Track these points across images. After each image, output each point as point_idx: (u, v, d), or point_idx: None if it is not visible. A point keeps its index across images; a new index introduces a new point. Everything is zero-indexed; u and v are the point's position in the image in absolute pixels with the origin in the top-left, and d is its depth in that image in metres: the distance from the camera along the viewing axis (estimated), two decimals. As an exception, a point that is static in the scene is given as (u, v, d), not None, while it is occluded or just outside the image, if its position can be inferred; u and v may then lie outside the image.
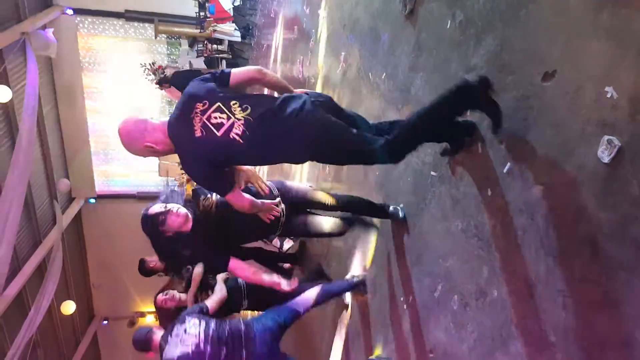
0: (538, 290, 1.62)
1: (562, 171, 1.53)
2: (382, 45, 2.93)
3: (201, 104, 1.95)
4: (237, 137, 1.91)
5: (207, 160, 1.99)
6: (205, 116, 1.93)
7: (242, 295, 3.41)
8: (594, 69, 1.42)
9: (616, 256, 1.33)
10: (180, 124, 1.97)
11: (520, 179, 1.72)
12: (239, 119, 1.92)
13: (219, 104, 1.95)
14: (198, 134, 1.92)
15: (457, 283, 2.09)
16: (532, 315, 1.64)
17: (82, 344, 12.63)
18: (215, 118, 1.92)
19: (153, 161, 11.95)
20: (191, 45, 10.87)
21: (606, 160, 1.36)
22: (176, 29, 10.61)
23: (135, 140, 2.00)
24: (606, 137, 1.36)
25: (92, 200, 12.15)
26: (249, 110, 1.94)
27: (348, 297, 3.41)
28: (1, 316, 8.05)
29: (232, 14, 8.67)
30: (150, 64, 9.19)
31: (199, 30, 9.62)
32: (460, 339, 2.05)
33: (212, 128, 1.92)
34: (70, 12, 10.02)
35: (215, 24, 8.62)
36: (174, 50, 11.39)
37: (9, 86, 7.67)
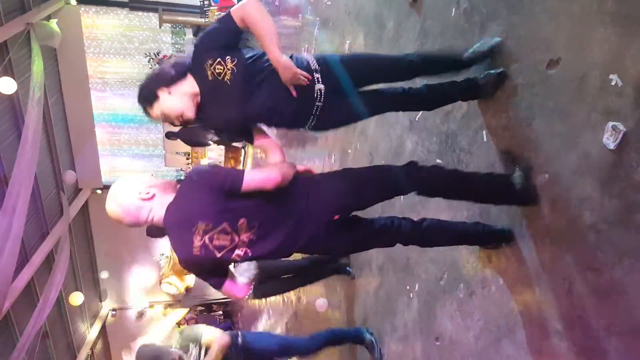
0: (543, 278, 1.62)
1: (567, 158, 1.52)
2: (387, 32, 2.91)
3: (204, 224, 1.68)
4: (238, 257, 1.73)
5: (199, 264, 1.80)
6: (208, 236, 1.69)
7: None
8: (598, 57, 1.41)
9: (621, 243, 1.33)
10: (177, 231, 1.71)
11: (525, 167, 1.72)
12: (244, 242, 1.71)
13: (224, 225, 1.69)
14: (196, 252, 1.70)
15: (462, 271, 2.10)
16: (537, 303, 1.65)
17: (90, 333, 12.80)
18: (219, 240, 1.70)
19: (160, 156, 12.00)
20: (195, 34, 10.81)
21: (612, 146, 1.35)
22: (180, 18, 10.57)
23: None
24: (611, 124, 1.35)
25: (99, 191, 12.22)
26: (255, 229, 1.71)
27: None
28: (10, 307, 8.14)
29: (235, 2, 8.62)
30: (154, 54, 9.19)
31: (203, 19, 9.58)
32: (466, 327, 2.06)
33: (213, 249, 1.70)
34: (74, 1, 10.00)
35: (219, 12, 8.58)
36: (179, 39, 11.37)
37: (13, 78, 7.69)
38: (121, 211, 1.70)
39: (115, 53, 11.25)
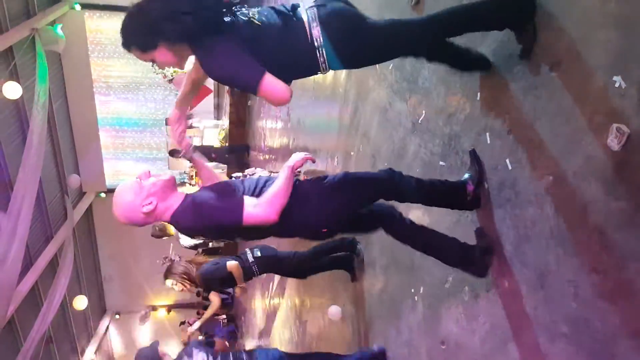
0: (549, 281, 1.61)
1: (571, 160, 1.52)
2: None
3: None
4: None
5: None
6: None
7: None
8: (601, 59, 1.41)
9: (627, 246, 1.32)
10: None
11: (529, 170, 1.71)
12: None
13: None
14: None
15: (467, 274, 2.09)
16: (543, 306, 1.64)
17: (94, 337, 12.81)
18: None
19: (163, 159, 12.02)
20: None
21: (616, 148, 1.35)
22: (184, 22, 10.62)
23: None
24: (615, 125, 1.35)
25: (103, 195, 12.26)
26: None
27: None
28: (15, 312, 8.15)
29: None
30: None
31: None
32: (472, 330, 2.05)
33: None
34: (78, 7, 10.07)
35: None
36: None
37: (18, 82, 7.73)
38: (128, 222, 1.80)
39: (120, 57, 11.30)
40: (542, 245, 1.64)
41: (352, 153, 3.67)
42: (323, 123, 4.61)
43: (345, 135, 3.80)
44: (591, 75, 1.44)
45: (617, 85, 1.35)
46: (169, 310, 14.48)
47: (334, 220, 1.92)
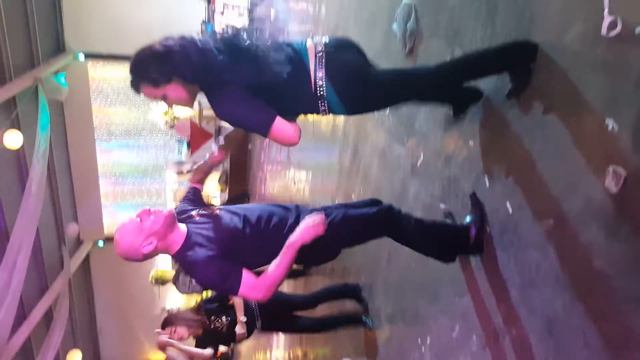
0: (557, 328, 1.56)
1: (571, 203, 1.51)
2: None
3: None
4: None
5: None
6: None
7: (255, 316, 3.52)
8: (593, 102, 1.42)
9: (634, 290, 1.29)
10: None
11: (529, 212, 1.70)
12: None
13: None
14: None
15: (474, 322, 2.03)
16: (553, 355, 1.58)
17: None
18: None
19: (163, 206, 12.00)
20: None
21: (614, 190, 1.34)
22: (185, 68, 10.87)
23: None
24: (612, 167, 1.35)
25: (101, 244, 12.13)
26: None
27: None
28: (6, 367, 7.89)
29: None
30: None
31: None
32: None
33: None
34: (82, 57, 10.31)
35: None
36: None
37: (20, 131, 7.80)
38: (129, 259, 1.83)
39: (121, 104, 11.48)
40: (548, 290, 1.60)
41: (352, 195, 3.66)
42: (323, 165, 4.63)
43: (346, 178, 3.81)
44: (585, 118, 1.46)
45: (610, 127, 1.36)
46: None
47: (331, 256, 2.05)
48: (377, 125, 3.11)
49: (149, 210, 1.80)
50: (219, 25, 8.79)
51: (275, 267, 1.76)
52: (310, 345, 4.78)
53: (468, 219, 2.01)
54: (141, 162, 12.30)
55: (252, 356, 8.69)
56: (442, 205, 2.31)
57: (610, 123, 1.36)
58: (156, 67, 1.67)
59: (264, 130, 1.67)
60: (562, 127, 1.54)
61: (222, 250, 1.79)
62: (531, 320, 1.69)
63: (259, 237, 1.89)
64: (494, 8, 1.89)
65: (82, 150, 10.99)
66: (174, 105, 1.86)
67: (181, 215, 1.94)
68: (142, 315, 11.79)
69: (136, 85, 1.74)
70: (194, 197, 2.15)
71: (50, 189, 9.63)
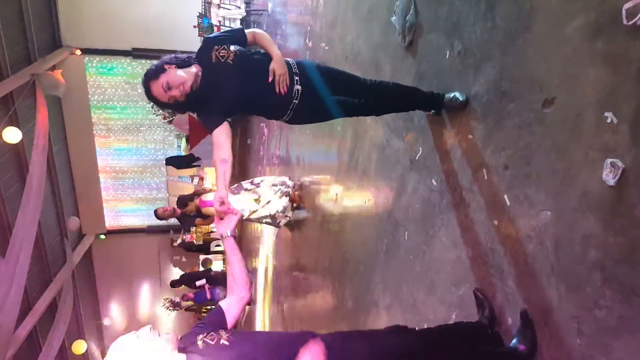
0: (552, 317, 1.60)
1: (568, 196, 1.53)
2: (383, 75, 2.98)
3: None
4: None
5: None
6: None
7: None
8: (592, 95, 1.44)
9: (628, 281, 1.32)
10: None
11: (527, 205, 1.72)
12: None
13: None
14: None
15: (471, 312, 2.07)
16: (548, 342, 1.62)
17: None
18: None
19: (163, 200, 12.04)
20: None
21: (612, 183, 1.36)
22: (182, 65, 10.85)
23: None
24: (609, 160, 1.37)
25: (102, 236, 12.21)
26: None
27: None
28: (12, 357, 8.00)
29: (236, 48, 8.87)
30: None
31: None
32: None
33: None
34: (78, 52, 10.29)
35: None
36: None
37: (18, 127, 7.82)
38: None
39: (120, 99, 11.49)
40: (544, 281, 1.63)
41: (351, 190, 3.68)
42: (322, 160, 4.65)
43: (345, 173, 3.83)
44: (583, 112, 1.47)
45: (609, 121, 1.38)
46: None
47: None
48: (376, 120, 3.12)
49: (150, 329, 1.55)
50: (215, 19, 8.74)
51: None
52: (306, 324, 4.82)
53: (515, 340, 1.76)
54: (140, 157, 12.32)
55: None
56: (434, 182, 2.32)
57: (610, 116, 1.37)
58: (154, 67, 2.12)
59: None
60: (561, 121, 1.56)
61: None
62: (527, 309, 1.72)
63: None
64: (494, 0, 1.90)
65: (81, 145, 11.02)
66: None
67: (185, 342, 1.56)
68: (145, 306, 11.90)
69: (147, 87, 2.11)
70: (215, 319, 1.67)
71: (51, 183, 9.68)
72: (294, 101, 2.23)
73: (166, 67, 2.07)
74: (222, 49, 2.16)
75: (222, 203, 1.82)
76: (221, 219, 1.82)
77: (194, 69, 2.14)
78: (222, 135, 2.12)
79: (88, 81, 10.92)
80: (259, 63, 2.18)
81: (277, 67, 2.14)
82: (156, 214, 5.68)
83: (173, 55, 2.18)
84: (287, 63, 2.23)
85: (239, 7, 8.83)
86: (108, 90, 11.32)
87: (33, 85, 8.19)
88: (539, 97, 1.65)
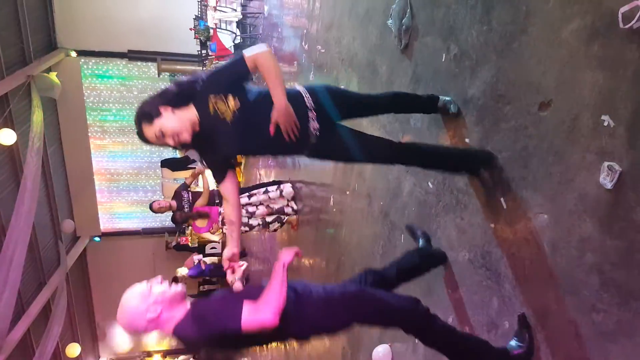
0: (549, 321, 1.59)
1: (565, 199, 1.53)
2: (380, 77, 2.97)
3: None
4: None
5: None
6: None
7: None
8: (589, 98, 1.44)
9: (626, 284, 1.32)
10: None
11: (523, 209, 1.72)
12: None
13: None
14: None
15: (467, 315, 2.06)
16: (545, 346, 1.62)
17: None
18: None
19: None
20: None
21: (609, 186, 1.36)
22: (179, 67, 10.82)
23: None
24: (606, 164, 1.36)
25: (97, 239, 12.14)
26: None
27: None
28: (5, 361, 7.95)
29: (233, 51, 8.85)
30: None
31: (201, 68, 9.81)
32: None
33: None
34: (74, 54, 10.26)
35: (217, 61, 8.78)
36: (177, 88, 11.59)
37: (13, 129, 7.79)
38: (129, 327, 1.70)
39: (115, 101, 11.45)
40: (541, 284, 1.63)
41: (347, 192, 3.68)
42: (318, 162, 4.63)
43: (341, 175, 3.82)
44: (580, 115, 1.47)
45: (605, 124, 1.38)
46: (164, 356, 14.09)
47: (331, 331, 1.86)
48: (372, 121, 3.12)
49: (160, 280, 1.75)
50: (212, 21, 8.73)
51: (268, 288, 1.69)
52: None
53: (513, 342, 1.77)
54: (136, 159, 12.28)
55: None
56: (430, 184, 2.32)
57: (607, 119, 1.37)
58: (147, 106, 1.87)
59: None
60: (558, 124, 1.56)
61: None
62: (524, 312, 1.71)
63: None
64: (490, 3, 1.90)
65: (76, 147, 10.97)
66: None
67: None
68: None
69: (139, 129, 1.89)
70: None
71: (46, 186, 9.63)
72: (312, 141, 1.96)
73: (161, 110, 1.83)
74: (219, 101, 1.86)
75: (231, 260, 1.95)
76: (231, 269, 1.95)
77: (191, 113, 1.88)
78: (226, 190, 2.06)
79: (83, 83, 10.88)
80: (263, 113, 1.87)
81: (280, 117, 1.84)
82: (151, 207, 5.81)
83: (172, 86, 1.92)
84: (298, 94, 1.94)
85: (235, 10, 8.81)
86: (103, 92, 11.28)
87: (28, 87, 8.16)
88: (536, 100, 1.65)
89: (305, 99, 1.95)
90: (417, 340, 1.93)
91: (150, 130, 1.85)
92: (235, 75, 1.91)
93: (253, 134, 1.93)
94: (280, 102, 1.84)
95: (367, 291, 1.88)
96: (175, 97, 1.88)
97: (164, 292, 1.70)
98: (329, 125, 1.98)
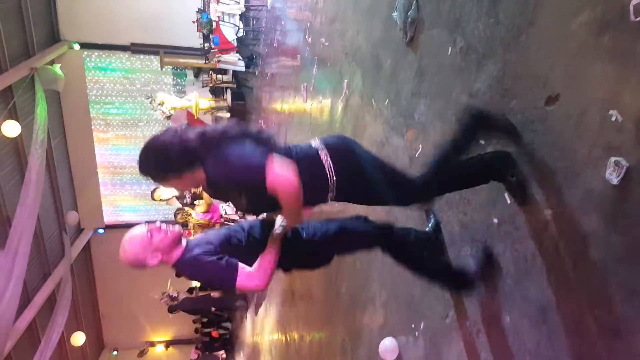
0: (551, 316, 1.59)
1: (570, 194, 1.51)
2: (384, 71, 2.95)
3: None
4: None
5: None
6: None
7: None
8: (597, 92, 1.42)
9: (630, 281, 1.31)
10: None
11: (528, 203, 1.71)
12: None
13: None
14: None
15: (468, 309, 2.06)
16: (546, 341, 1.61)
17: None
18: None
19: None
20: (196, 76, 11.04)
21: (615, 182, 1.34)
22: (181, 60, 10.81)
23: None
24: (613, 159, 1.35)
25: (101, 231, 12.19)
26: None
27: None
28: (12, 349, 8.03)
29: (235, 44, 8.82)
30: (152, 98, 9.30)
31: (203, 61, 9.78)
32: (474, 367, 2.01)
33: None
34: (77, 46, 10.25)
35: (220, 54, 8.75)
36: (180, 81, 11.58)
37: (17, 120, 7.81)
38: (132, 266, 1.90)
39: (118, 94, 11.45)
40: (544, 279, 1.62)
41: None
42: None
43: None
44: (587, 109, 1.45)
45: (613, 119, 1.36)
46: (167, 346, 14.21)
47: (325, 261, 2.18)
48: (375, 116, 3.10)
49: (160, 227, 1.89)
50: (215, 14, 8.69)
51: (266, 254, 1.90)
52: (307, 328, 4.83)
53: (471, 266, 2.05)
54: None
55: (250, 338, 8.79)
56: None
57: (614, 114, 1.35)
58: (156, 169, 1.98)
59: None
60: (564, 118, 1.54)
61: (220, 246, 1.90)
62: (525, 307, 1.71)
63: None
64: (497, -5, 1.88)
65: (80, 140, 11.00)
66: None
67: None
68: (143, 299, 11.91)
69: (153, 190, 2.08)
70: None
71: (50, 178, 9.68)
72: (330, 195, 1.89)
73: (170, 178, 1.92)
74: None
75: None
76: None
77: (199, 175, 1.83)
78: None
79: (87, 76, 10.88)
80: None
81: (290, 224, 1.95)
82: (152, 196, 5.85)
83: (176, 151, 1.83)
84: (322, 174, 1.82)
85: (238, 3, 8.77)
86: (106, 85, 11.27)
87: (32, 79, 8.17)
88: (543, 94, 1.63)
89: (328, 173, 1.82)
90: (415, 327, 1.93)
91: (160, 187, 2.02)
92: (249, 191, 1.81)
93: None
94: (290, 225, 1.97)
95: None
96: (185, 166, 1.86)
97: (163, 240, 1.87)
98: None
